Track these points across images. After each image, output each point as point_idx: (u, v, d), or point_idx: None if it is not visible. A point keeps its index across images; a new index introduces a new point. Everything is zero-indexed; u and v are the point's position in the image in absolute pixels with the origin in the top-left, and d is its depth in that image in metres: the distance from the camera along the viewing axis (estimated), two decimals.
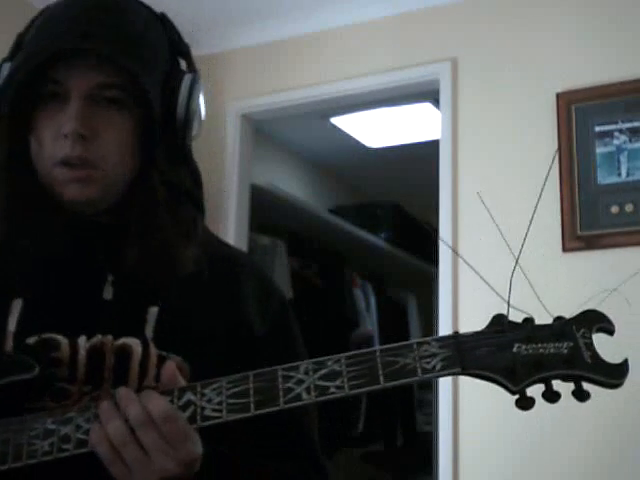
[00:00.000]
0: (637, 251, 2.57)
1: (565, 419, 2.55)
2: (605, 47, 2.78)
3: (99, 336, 0.99)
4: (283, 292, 1.19)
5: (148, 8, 1.09)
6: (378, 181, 4.84)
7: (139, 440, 0.85)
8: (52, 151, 0.99)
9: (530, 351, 0.87)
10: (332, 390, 0.87)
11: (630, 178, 2.65)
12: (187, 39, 1.12)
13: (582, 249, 2.66)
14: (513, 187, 2.78)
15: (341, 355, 0.89)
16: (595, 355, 0.87)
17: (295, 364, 0.89)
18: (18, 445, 0.88)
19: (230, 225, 3.31)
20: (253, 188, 3.52)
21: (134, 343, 1.00)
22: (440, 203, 2.94)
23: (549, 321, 0.90)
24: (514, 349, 0.87)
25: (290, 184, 4.37)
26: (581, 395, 0.86)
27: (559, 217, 2.69)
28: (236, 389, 0.88)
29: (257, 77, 3.40)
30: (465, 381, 2.75)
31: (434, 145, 3.06)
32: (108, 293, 1.02)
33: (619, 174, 2.66)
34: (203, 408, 0.87)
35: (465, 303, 2.83)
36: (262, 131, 3.83)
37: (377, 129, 4.19)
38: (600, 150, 2.69)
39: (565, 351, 0.87)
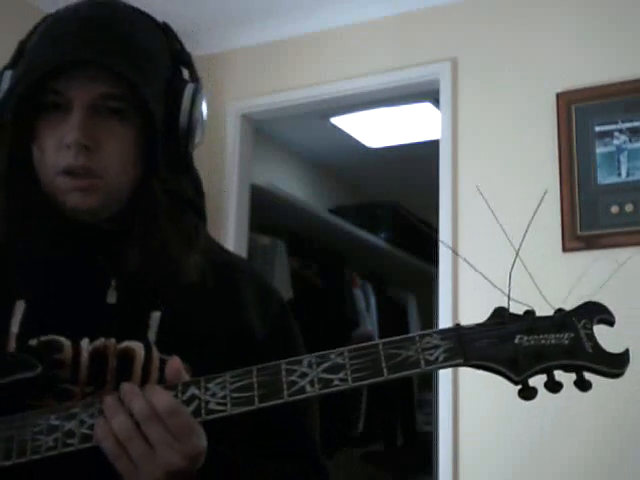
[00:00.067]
0: (637, 251, 2.57)
1: (565, 419, 2.56)
2: (605, 47, 2.78)
3: (102, 339, 1.00)
4: (282, 295, 1.20)
5: (150, 17, 1.10)
6: (378, 181, 4.84)
7: (144, 434, 0.85)
8: (55, 160, 1.00)
9: (532, 342, 0.88)
10: (336, 383, 0.88)
11: (630, 178, 2.65)
12: (187, 39, 1.13)
13: (582, 249, 2.66)
14: (513, 187, 2.78)
15: (344, 348, 0.89)
16: (596, 345, 0.88)
17: (298, 358, 0.89)
18: (22, 441, 0.88)
19: (230, 225, 3.31)
20: (253, 188, 3.52)
21: (137, 347, 1.00)
22: (440, 203, 2.95)
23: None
24: (516, 340, 0.88)
25: (290, 184, 4.37)
26: (583, 385, 0.87)
27: (559, 217, 2.70)
28: (240, 383, 0.88)
29: (257, 77, 3.40)
30: (465, 381, 2.76)
31: (434, 145, 3.06)
32: (112, 297, 1.03)
33: (619, 174, 2.66)
34: (207, 402, 0.88)
35: (465, 303, 2.83)
36: (262, 131, 3.84)
37: (377, 129, 4.19)
38: (600, 150, 2.70)
39: (566, 342, 0.88)
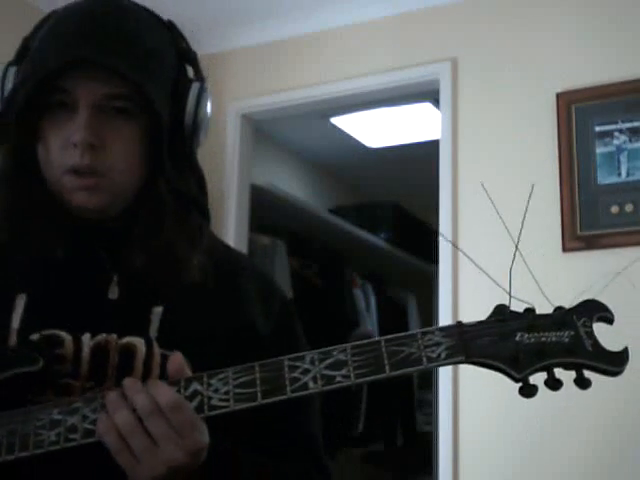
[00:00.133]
0: (637, 251, 2.57)
1: (565, 419, 2.56)
2: (605, 47, 2.78)
3: (104, 334, 1.00)
4: (285, 293, 1.20)
5: (155, 16, 1.10)
6: (378, 181, 4.84)
7: (147, 430, 0.85)
8: (60, 159, 1.00)
9: (532, 340, 0.88)
10: (338, 379, 0.88)
11: (630, 178, 2.65)
12: (187, 39, 1.13)
13: (582, 249, 2.66)
14: (513, 187, 2.78)
15: (346, 345, 0.90)
16: (596, 343, 0.88)
17: (301, 354, 0.90)
18: (25, 435, 0.89)
19: (230, 225, 3.31)
20: (253, 188, 3.52)
21: (138, 342, 1.00)
22: (440, 203, 2.95)
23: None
24: (516, 338, 0.89)
25: (290, 184, 4.37)
26: (582, 383, 0.87)
27: (559, 217, 2.70)
28: (242, 379, 0.89)
29: (257, 77, 3.40)
30: (465, 381, 2.76)
31: (434, 145, 3.06)
32: (113, 293, 1.03)
33: (619, 174, 2.66)
34: (210, 398, 0.88)
35: (465, 303, 2.83)
36: (262, 131, 3.84)
37: (377, 129, 4.19)
38: (600, 150, 2.70)
39: (566, 340, 0.88)
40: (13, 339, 0.98)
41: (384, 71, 3.14)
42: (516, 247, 0.90)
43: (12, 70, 1.06)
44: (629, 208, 2.62)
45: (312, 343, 1.11)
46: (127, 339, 1.00)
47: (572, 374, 0.89)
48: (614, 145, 2.68)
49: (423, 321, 4.82)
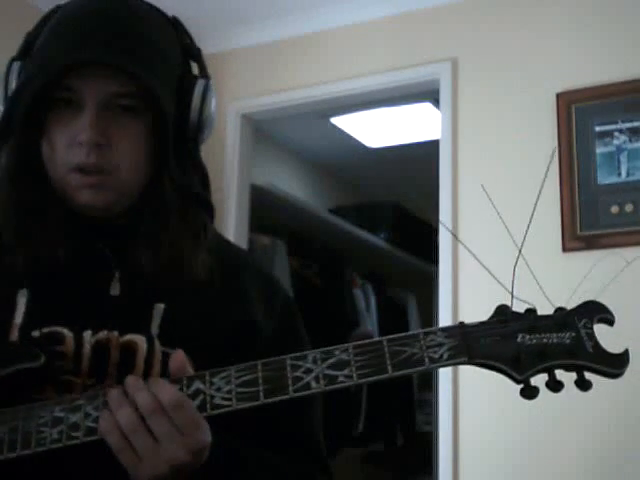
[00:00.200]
0: (637, 251, 2.57)
1: (565, 419, 2.56)
2: (605, 47, 2.78)
3: (105, 332, 1.00)
4: (287, 291, 1.20)
5: (160, 12, 1.10)
6: (378, 181, 4.84)
7: (149, 428, 0.85)
8: (66, 157, 1.00)
9: (534, 341, 0.88)
10: (341, 379, 0.88)
11: (630, 178, 2.65)
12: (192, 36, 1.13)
13: (582, 249, 2.66)
14: (513, 187, 2.78)
15: (348, 344, 0.89)
16: (597, 345, 0.88)
17: (303, 353, 0.90)
18: (27, 433, 0.89)
19: (230, 225, 3.31)
20: (253, 188, 3.52)
21: (139, 340, 1.00)
22: (440, 203, 2.95)
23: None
24: (518, 339, 0.89)
25: (290, 184, 4.37)
26: (583, 385, 0.87)
27: (559, 217, 2.70)
28: (245, 378, 0.89)
29: (257, 77, 3.40)
30: (465, 381, 2.76)
31: (434, 145, 3.06)
32: (115, 289, 1.03)
33: (619, 174, 2.66)
34: (212, 396, 0.88)
35: (465, 303, 2.83)
36: (262, 131, 3.84)
37: (377, 129, 4.19)
38: (600, 150, 2.70)
39: (568, 341, 0.88)
40: (15, 335, 0.98)
41: (384, 71, 3.15)
42: (519, 252, 0.90)
43: (16, 65, 1.06)
44: (629, 208, 2.63)
45: (312, 343, 1.11)
46: (128, 336, 1.00)
47: (573, 375, 0.89)
48: (614, 145, 2.68)
49: (423, 321, 4.82)
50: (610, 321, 0.90)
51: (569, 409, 2.52)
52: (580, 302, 0.92)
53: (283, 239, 3.90)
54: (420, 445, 4.53)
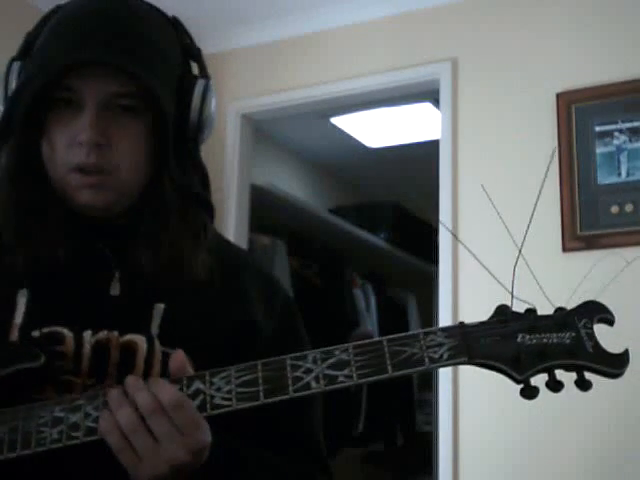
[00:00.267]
0: (637, 251, 2.57)
1: (565, 419, 2.56)
2: (605, 47, 2.78)
3: (105, 332, 1.00)
4: (287, 291, 1.20)
5: (160, 12, 1.09)
6: (378, 181, 4.84)
7: (149, 428, 0.85)
8: (66, 157, 1.00)
9: (534, 341, 0.88)
10: (341, 379, 0.88)
11: (630, 178, 2.65)
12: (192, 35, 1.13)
13: (582, 249, 2.66)
14: (513, 187, 2.78)
15: (348, 344, 0.89)
16: (597, 345, 0.88)
17: (303, 353, 0.90)
18: (27, 433, 0.89)
19: (230, 225, 3.31)
20: (253, 188, 3.52)
21: (139, 340, 1.00)
22: (440, 203, 2.95)
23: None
24: (518, 339, 0.89)
25: (290, 184, 4.37)
26: (583, 385, 0.87)
27: (559, 217, 2.70)
28: (245, 378, 0.89)
29: (257, 77, 3.40)
30: (465, 381, 2.76)
31: (434, 145, 3.06)
32: (115, 289, 1.03)
33: (619, 174, 2.66)
34: (212, 396, 0.88)
35: (465, 303, 2.83)
36: (262, 131, 3.84)
37: (377, 129, 4.19)
38: (600, 150, 2.70)
39: (568, 341, 0.88)
40: (15, 335, 0.98)
41: (384, 71, 3.15)
42: (519, 252, 0.90)
43: (16, 65, 1.06)
44: (629, 208, 2.63)
45: (312, 343, 1.11)
46: (128, 336, 1.00)
47: (573, 375, 0.89)
48: (614, 145, 2.68)
49: (423, 321, 4.82)
50: (610, 321, 0.90)
51: (569, 409, 2.52)
52: (580, 302, 0.92)
53: (283, 239, 3.90)
54: (420, 445, 4.53)
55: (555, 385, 0.88)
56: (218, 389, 0.88)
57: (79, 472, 0.94)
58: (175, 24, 1.10)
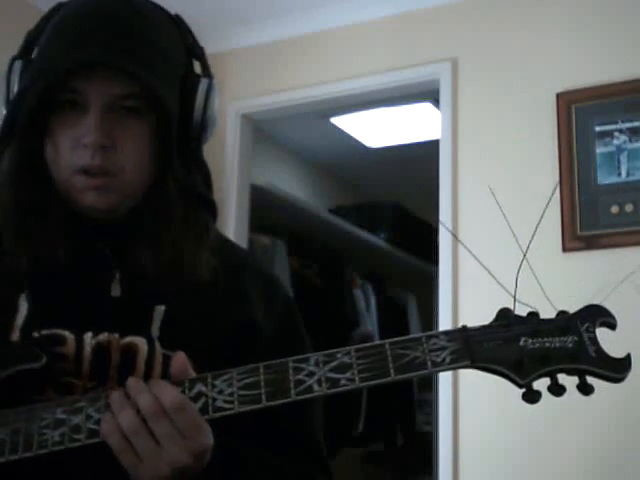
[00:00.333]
0: (637, 251, 2.57)
1: (565, 419, 2.56)
2: (605, 47, 2.78)
3: (105, 334, 1.00)
4: (287, 291, 1.20)
5: (163, 10, 1.09)
6: (378, 181, 4.84)
7: (151, 430, 0.85)
8: (70, 159, 1.00)
9: (536, 345, 0.88)
10: (343, 382, 0.88)
11: (630, 178, 2.65)
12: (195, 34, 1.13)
13: (582, 249, 2.66)
14: (513, 187, 2.78)
15: (350, 347, 0.89)
16: (599, 349, 0.88)
17: (305, 356, 0.90)
18: (29, 435, 0.88)
19: (230, 225, 3.31)
20: (253, 188, 3.52)
21: (140, 342, 1.00)
22: (440, 203, 2.95)
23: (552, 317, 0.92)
24: (521, 343, 0.89)
25: (290, 184, 4.37)
26: (585, 389, 0.87)
27: (559, 217, 2.69)
28: (247, 380, 0.88)
29: (257, 77, 3.40)
30: (465, 381, 2.76)
31: (434, 145, 3.06)
32: (116, 290, 1.03)
33: (619, 174, 2.66)
34: (214, 399, 0.88)
35: (465, 303, 2.83)
36: (262, 131, 3.84)
37: (377, 129, 4.19)
38: (600, 150, 2.70)
39: (570, 345, 0.88)
40: (16, 337, 0.98)
41: (384, 71, 3.14)
42: (524, 256, 0.90)
43: (18, 64, 1.05)
44: (629, 208, 2.62)
45: (312, 343, 1.11)
46: (129, 338, 1.00)
47: (575, 378, 0.89)
48: (614, 145, 2.68)
49: (423, 321, 4.81)
50: (612, 325, 0.90)
51: (569, 409, 2.51)
52: (582, 304, 0.92)
53: (283, 239, 3.89)
54: (420, 445, 4.53)
55: (557, 389, 0.87)
56: (220, 392, 0.88)
57: (80, 473, 0.94)
58: (178, 23, 1.10)
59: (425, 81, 3.11)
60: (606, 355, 0.88)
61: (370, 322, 4.32)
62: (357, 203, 4.73)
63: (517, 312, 0.91)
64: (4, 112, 1.05)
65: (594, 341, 0.88)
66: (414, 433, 4.64)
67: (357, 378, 0.88)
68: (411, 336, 0.89)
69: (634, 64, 2.72)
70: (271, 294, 1.14)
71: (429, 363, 0.88)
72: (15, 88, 1.05)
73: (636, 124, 2.67)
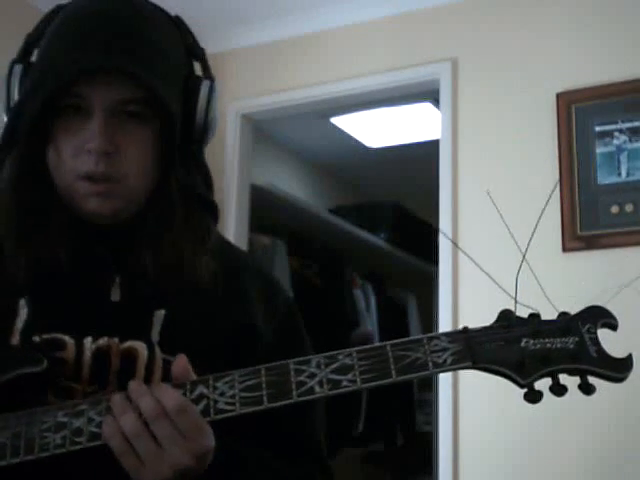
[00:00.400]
0: (637, 251, 2.57)
1: (565, 419, 2.56)
2: (605, 47, 2.78)
3: (105, 338, 0.99)
4: (288, 293, 1.19)
5: (163, 11, 1.09)
6: (378, 181, 4.84)
7: (152, 433, 0.85)
8: (73, 165, 0.99)
9: (538, 346, 0.89)
10: (345, 384, 0.88)
11: (630, 178, 2.65)
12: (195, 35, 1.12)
13: (582, 249, 2.66)
14: (513, 187, 2.78)
15: (352, 349, 0.89)
16: (600, 350, 0.89)
17: (306, 358, 0.90)
18: (30, 438, 0.88)
19: (230, 225, 3.31)
20: (253, 188, 3.52)
21: (140, 347, 1.00)
22: (440, 203, 2.95)
23: (553, 318, 0.92)
24: (522, 344, 0.89)
25: (290, 184, 4.37)
26: (587, 389, 0.88)
27: (559, 217, 2.69)
28: (248, 382, 0.89)
29: (257, 77, 3.40)
30: (465, 381, 2.76)
31: (434, 145, 3.06)
32: (115, 295, 1.03)
33: (619, 174, 2.66)
34: (216, 401, 0.88)
35: (465, 303, 2.83)
36: (262, 131, 3.84)
37: (377, 129, 4.19)
38: (600, 150, 2.70)
39: (571, 346, 0.89)
40: (16, 341, 0.98)
41: (384, 71, 3.14)
42: (523, 257, 0.90)
43: (18, 68, 1.05)
44: (629, 208, 2.62)
45: (312, 343, 1.11)
46: (129, 343, 1.00)
47: (576, 379, 0.89)
48: (614, 145, 2.68)
49: (423, 321, 4.81)
50: (614, 326, 0.91)
51: (569, 409, 2.51)
52: (582, 304, 0.92)
53: (283, 239, 3.89)
54: (420, 445, 4.53)
55: (559, 389, 0.88)
56: (222, 394, 0.88)
57: (82, 476, 0.94)
58: (178, 24, 1.09)
59: (425, 81, 3.11)
60: (607, 355, 0.88)
61: (370, 322, 4.32)
62: (357, 203, 4.73)
63: (518, 313, 0.91)
64: (4, 118, 1.05)
65: (595, 341, 0.89)
66: (414, 433, 4.64)
67: (359, 379, 0.88)
68: (412, 338, 0.90)
69: (634, 64, 2.72)
70: (271, 294, 1.14)
71: (430, 364, 0.88)
72: (15, 93, 1.04)
73: (636, 124, 2.67)
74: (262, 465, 1.02)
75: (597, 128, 2.72)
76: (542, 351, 0.88)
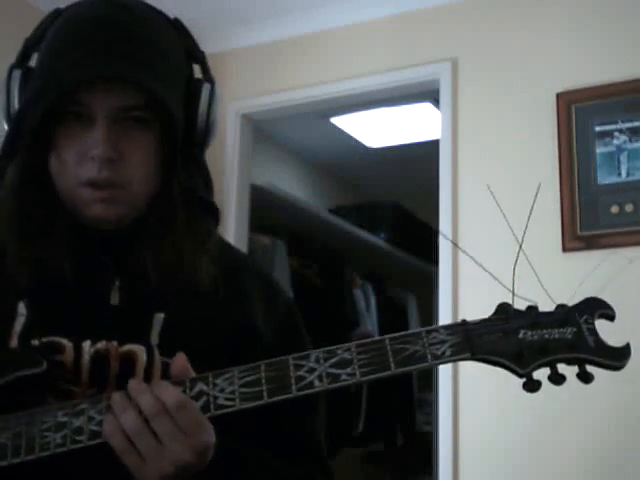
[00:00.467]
0: (637, 251, 2.57)
1: (565, 419, 2.56)
2: (605, 47, 2.78)
3: (104, 342, 0.99)
4: (288, 294, 1.19)
5: (163, 15, 1.08)
6: (378, 181, 4.84)
7: (153, 430, 0.85)
8: (76, 171, 0.99)
9: (535, 337, 0.90)
10: (344, 377, 0.88)
11: (630, 178, 2.65)
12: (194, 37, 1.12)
13: (582, 249, 2.66)
14: (513, 187, 2.78)
15: (351, 344, 0.90)
16: (598, 339, 0.89)
17: (305, 353, 0.90)
18: (30, 438, 0.89)
19: (230, 225, 3.31)
20: (253, 188, 3.52)
21: (139, 350, 1.00)
22: (440, 203, 2.95)
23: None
24: (520, 335, 0.90)
25: (290, 184, 4.37)
26: (585, 377, 0.88)
27: (559, 217, 2.69)
28: (248, 378, 0.89)
29: (257, 77, 3.40)
30: (465, 381, 2.76)
31: (434, 145, 3.06)
32: (115, 298, 1.03)
33: (619, 174, 2.66)
34: (216, 397, 0.88)
35: (465, 303, 2.83)
36: (262, 131, 3.84)
37: (377, 129, 4.19)
38: (600, 150, 2.70)
39: (569, 336, 0.89)
40: (14, 344, 0.98)
41: (384, 71, 3.14)
42: (520, 247, 0.91)
43: (17, 73, 1.04)
44: (629, 208, 2.63)
45: (312, 343, 1.11)
46: (128, 347, 1.00)
47: (575, 371, 0.89)
48: (614, 145, 2.68)
49: (423, 321, 4.81)
50: (611, 316, 0.91)
51: (569, 409, 2.52)
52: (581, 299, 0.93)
53: (283, 239, 3.89)
54: (420, 445, 4.53)
55: (557, 378, 0.88)
56: (221, 390, 0.89)
57: (83, 475, 0.94)
58: (177, 27, 1.09)
59: (425, 81, 3.11)
60: (605, 344, 0.89)
61: (370, 322, 4.32)
62: (357, 203, 4.73)
63: (516, 308, 0.92)
64: (5, 125, 1.04)
65: (593, 332, 0.89)
66: (414, 433, 4.64)
67: (358, 373, 0.88)
68: (411, 331, 0.90)
69: (634, 64, 2.72)
70: (271, 295, 1.14)
71: (429, 356, 0.89)
72: (15, 99, 1.04)
73: (636, 124, 2.67)
74: (262, 465, 1.02)
75: (597, 128, 2.72)
76: (540, 341, 0.89)
